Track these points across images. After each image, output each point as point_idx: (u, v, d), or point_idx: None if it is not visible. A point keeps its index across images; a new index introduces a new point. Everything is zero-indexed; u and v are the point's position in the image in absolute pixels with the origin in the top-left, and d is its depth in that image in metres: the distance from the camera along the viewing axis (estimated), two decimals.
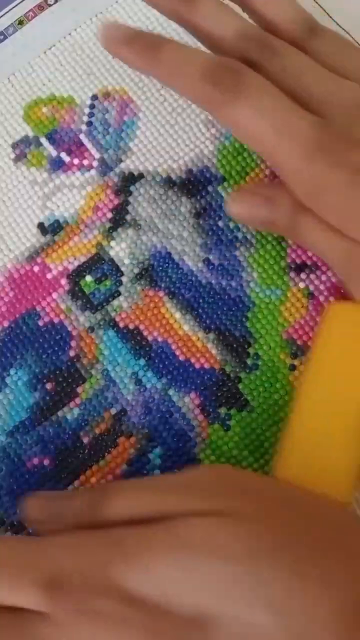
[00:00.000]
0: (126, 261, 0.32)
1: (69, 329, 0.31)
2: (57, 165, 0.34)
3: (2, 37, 0.36)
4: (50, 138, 0.34)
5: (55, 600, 0.21)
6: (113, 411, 0.30)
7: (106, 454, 0.30)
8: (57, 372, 0.31)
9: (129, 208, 0.33)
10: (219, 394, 0.30)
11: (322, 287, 0.31)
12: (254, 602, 0.21)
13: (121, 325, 0.31)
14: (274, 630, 0.20)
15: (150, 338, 0.31)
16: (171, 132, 0.34)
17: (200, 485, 0.24)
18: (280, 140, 0.24)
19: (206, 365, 0.30)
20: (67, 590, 0.22)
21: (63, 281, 0.32)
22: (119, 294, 0.32)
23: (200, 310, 0.31)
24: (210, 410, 0.30)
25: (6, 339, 0.32)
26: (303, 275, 0.31)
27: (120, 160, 0.33)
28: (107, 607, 0.21)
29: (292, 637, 0.20)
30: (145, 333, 0.31)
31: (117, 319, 0.31)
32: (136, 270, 0.32)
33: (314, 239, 0.26)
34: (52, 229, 0.33)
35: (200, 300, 0.31)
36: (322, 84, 0.25)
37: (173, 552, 0.22)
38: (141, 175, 0.33)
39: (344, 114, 0.24)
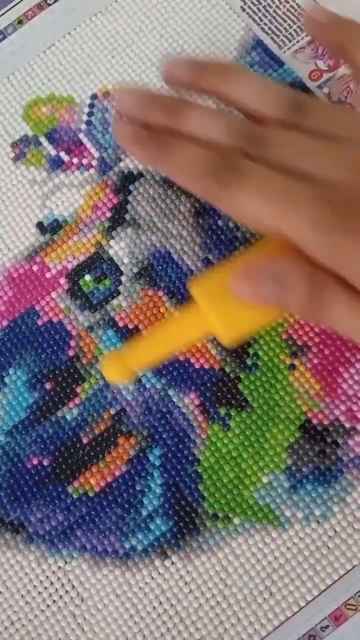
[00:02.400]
0: (125, 260, 0.32)
1: (68, 328, 0.31)
2: (57, 164, 0.34)
3: (1, 36, 0.36)
4: (50, 137, 0.34)
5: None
6: (112, 411, 0.30)
7: (106, 453, 0.30)
8: (57, 371, 0.31)
9: (128, 207, 0.33)
10: (218, 394, 0.30)
11: None
12: None
13: (120, 324, 0.31)
14: None
15: None
16: None
17: None
18: (283, 217, 0.23)
19: (206, 365, 0.30)
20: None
21: (62, 280, 0.32)
22: (119, 293, 0.32)
23: None
24: (210, 410, 0.30)
25: (5, 339, 0.31)
26: None
27: (120, 159, 0.33)
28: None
29: None
30: (144, 332, 0.31)
31: (117, 318, 0.31)
32: (135, 270, 0.32)
33: (339, 317, 0.24)
34: (51, 228, 0.33)
35: None
36: (319, 159, 0.25)
37: None
38: (140, 174, 0.33)
39: (350, 179, 0.24)
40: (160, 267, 0.32)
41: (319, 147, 0.25)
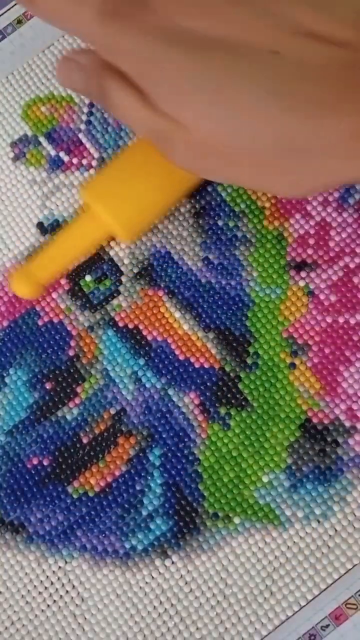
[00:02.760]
0: (126, 261, 0.32)
1: (69, 328, 0.31)
2: (56, 164, 0.34)
3: (0, 36, 0.36)
4: (49, 137, 0.34)
5: None
6: (113, 411, 0.30)
7: (106, 453, 0.30)
8: (57, 371, 0.31)
9: None
10: (218, 393, 0.30)
11: (322, 285, 0.31)
12: None
13: (121, 324, 0.31)
14: None
15: (149, 337, 0.31)
16: None
17: None
18: (73, 9, 0.24)
19: (206, 365, 0.30)
20: None
21: (62, 281, 0.32)
22: (119, 293, 0.32)
23: (199, 310, 0.31)
24: (210, 409, 0.30)
25: (6, 339, 0.31)
26: (303, 274, 0.31)
27: None
28: None
29: None
30: (144, 332, 0.31)
31: (117, 319, 0.31)
32: (136, 270, 0.32)
33: (121, 107, 0.25)
34: (52, 229, 0.33)
35: (200, 300, 0.31)
36: None
37: None
38: None
39: None
40: (160, 267, 0.32)
41: None
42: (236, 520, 0.29)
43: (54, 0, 0.25)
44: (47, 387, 0.31)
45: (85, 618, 0.28)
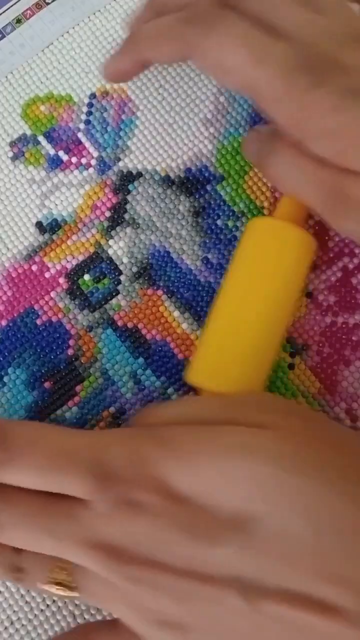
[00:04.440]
0: (125, 260, 0.32)
1: (68, 327, 0.31)
2: (55, 163, 0.34)
3: (0, 35, 0.36)
4: (49, 136, 0.34)
5: (100, 490, 0.22)
6: (112, 410, 0.30)
7: None
8: (56, 371, 0.31)
9: (128, 207, 0.33)
10: None
11: (321, 286, 0.31)
12: (292, 508, 0.21)
13: (120, 324, 0.31)
14: (305, 536, 0.21)
15: (149, 337, 0.31)
16: (169, 131, 0.34)
17: (247, 403, 0.25)
18: (258, 66, 0.24)
19: None
20: (113, 481, 0.22)
21: (61, 280, 0.32)
22: (118, 292, 0.32)
23: (199, 309, 0.31)
24: None
25: (4, 338, 0.31)
26: None
27: (119, 159, 0.33)
28: (149, 501, 0.22)
29: (321, 545, 0.21)
30: (143, 332, 0.31)
31: (116, 318, 0.31)
32: (135, 269, 0.32)
33: (286, 171, 0.26)
34: (50, 228, 0.33)
35: (199, 299, 0.31)
36: (296, 18, 0.25)
37: (219, 455, 0.22)
38: (139, 174, 0.33)
39: (325, 39, 0.24)
40: (159, 267, 0.32)
41: (298, 7, 0.25)
42: None
43: (238, 57, 0.24)
44: (46, 387, 0.31)
45: (85, 618, 0.28)
